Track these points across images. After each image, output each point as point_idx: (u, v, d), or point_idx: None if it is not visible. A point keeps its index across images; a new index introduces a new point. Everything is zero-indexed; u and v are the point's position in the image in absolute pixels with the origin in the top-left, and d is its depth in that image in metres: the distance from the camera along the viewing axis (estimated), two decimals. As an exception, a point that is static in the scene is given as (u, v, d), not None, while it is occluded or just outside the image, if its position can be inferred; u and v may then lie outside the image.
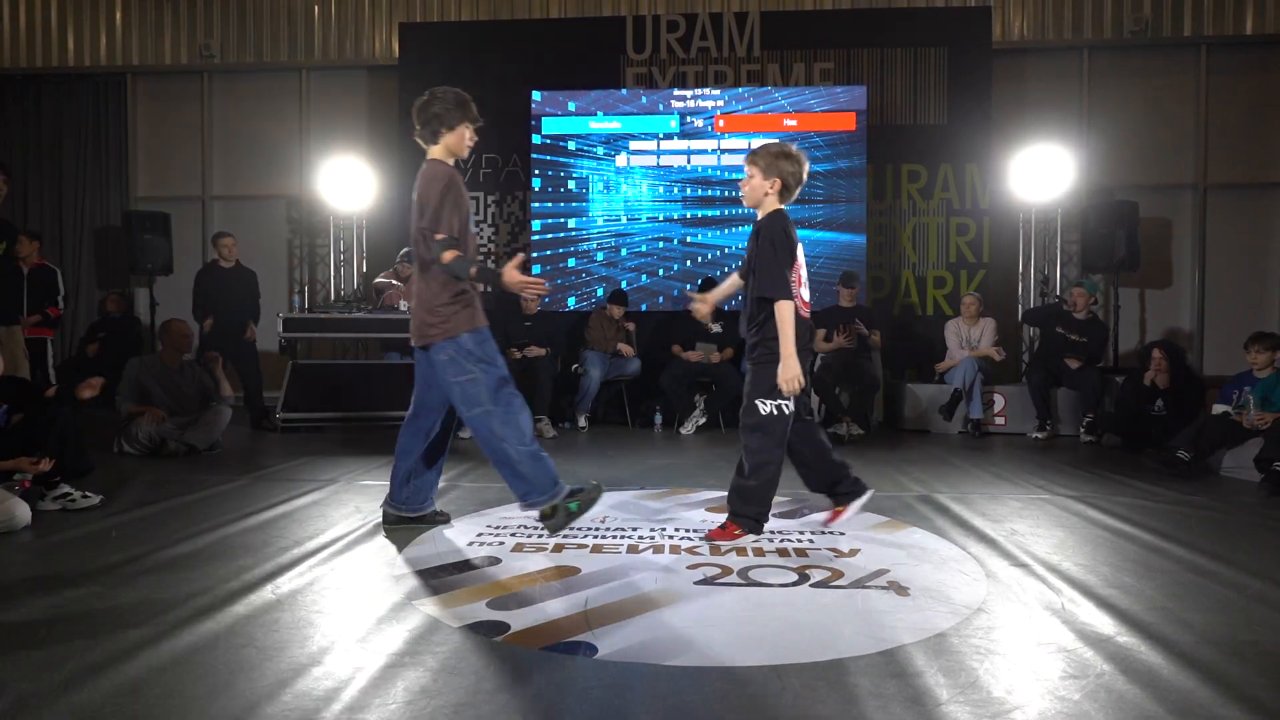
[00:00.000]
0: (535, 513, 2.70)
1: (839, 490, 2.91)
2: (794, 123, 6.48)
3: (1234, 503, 3.50)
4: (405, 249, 6.45)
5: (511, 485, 2.69)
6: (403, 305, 5.88)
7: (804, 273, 2.80)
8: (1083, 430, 5.55)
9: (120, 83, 7.77)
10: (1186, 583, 2.33)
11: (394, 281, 6.22)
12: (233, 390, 5.12)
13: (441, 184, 2.66)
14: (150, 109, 7.92)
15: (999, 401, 5.81)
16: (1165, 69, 7.11)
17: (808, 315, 2.77)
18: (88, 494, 3.21)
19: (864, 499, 2.92)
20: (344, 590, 2.23)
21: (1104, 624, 1.98)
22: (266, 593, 2.19)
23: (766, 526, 2.83)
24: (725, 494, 2.92)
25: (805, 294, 2.79)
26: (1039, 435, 5.59)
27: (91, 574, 2.35)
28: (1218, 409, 4.42)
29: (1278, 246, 7.10)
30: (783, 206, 2.77)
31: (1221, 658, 1.78)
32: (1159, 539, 2.82)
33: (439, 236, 2.62)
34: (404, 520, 2.94)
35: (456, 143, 2.79)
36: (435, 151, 2.80)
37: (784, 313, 2.63)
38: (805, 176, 2.79)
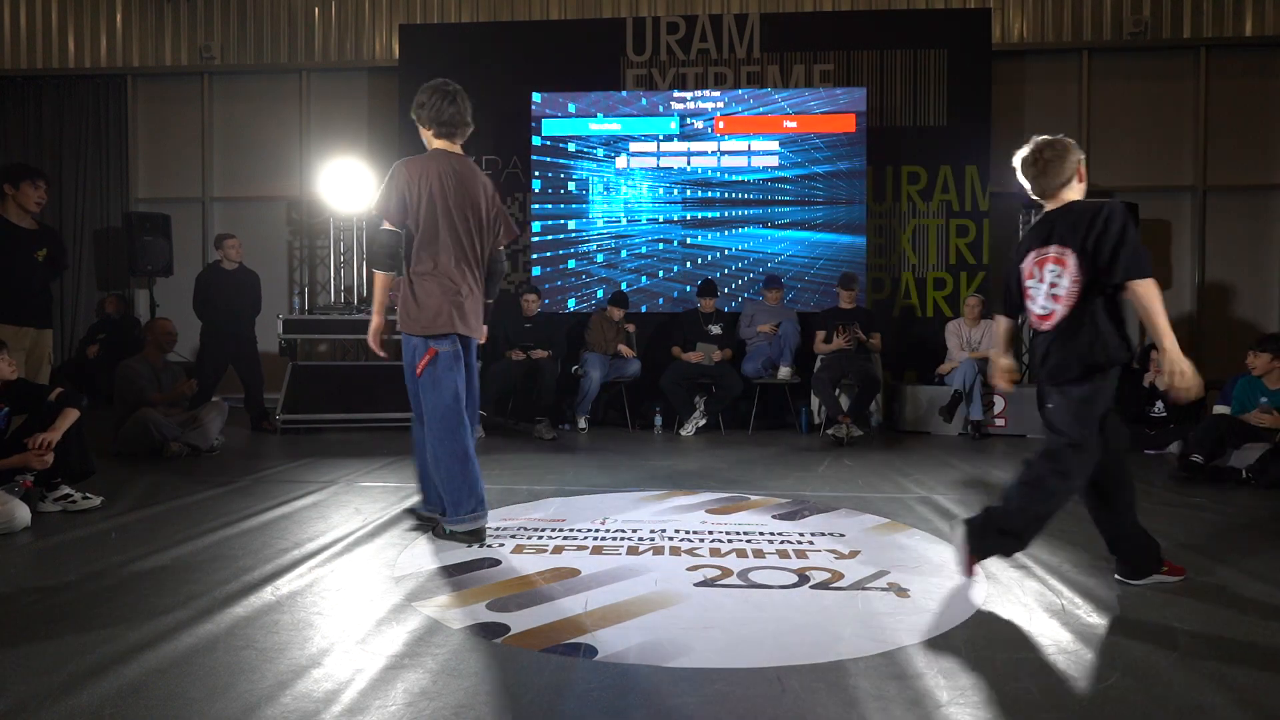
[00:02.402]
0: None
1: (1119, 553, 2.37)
2: (794, 124, 6.49)
3: (1233, 503, 3.50)
4: None
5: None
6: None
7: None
8: None
9: (120, 84, 7.78)
10: (1188, 584, 2.33)
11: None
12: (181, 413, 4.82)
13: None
14: (150, 110, 7.93)
15: (999, 403, 5.81)
16: (1164, 71, 7.12)
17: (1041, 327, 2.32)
18: (88, 495, 3.21)
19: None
20: (344, 592, 2.23)
21: (1104, 625, 1.98)
22: (266, 594, 2.19)
23: (765, 529, 2.81)
24: (726, 495, 2.91)
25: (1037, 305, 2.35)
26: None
27: (91, 576, 2.35)
28: (1219, 409, 4.41)
29: (1277, 249, 7.11)
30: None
31: (1222, 659, 1.78)
32: (1158, 539, 2.81)
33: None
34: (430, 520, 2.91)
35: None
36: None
37: (1151, 291, 2.08)
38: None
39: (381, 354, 2.88)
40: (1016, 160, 2.39)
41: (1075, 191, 2.32)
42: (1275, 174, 7.05)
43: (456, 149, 2.86)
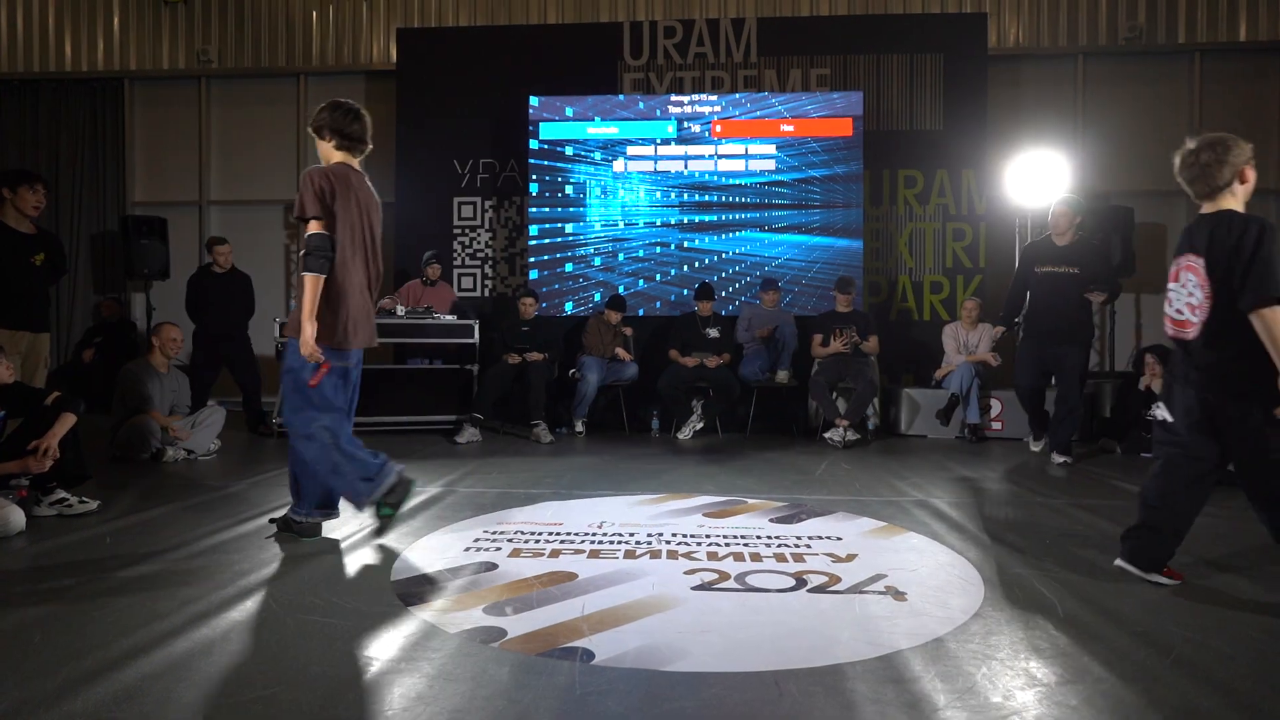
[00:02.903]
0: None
1: None
2: (791, 128, 6.50)
3: (1226, 507, 3.50)
4: (431, 251, 6.46)
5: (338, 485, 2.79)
6: (400, 310, 5.88)
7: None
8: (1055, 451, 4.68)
9: (118, 88, 7.78)
10: (1185, 588, 2.33)
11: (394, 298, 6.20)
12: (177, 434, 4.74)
13: None
14: (147, 114, 7.92)
15: (996, 406, 5.82)
16: (1159, 76, 7.15)
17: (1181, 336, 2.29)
18: (85, 499, 3.20)
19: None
20: (339, 596, 2.23)
21: (1100, 628, 1.98)
22: (262, 598, 2.18)
23: (762, 532, 2.82)
24: (723, 499, 2.91)
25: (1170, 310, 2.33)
26: (1036, 447, 5.03)
27: (86, 580, 2.34)
28: None
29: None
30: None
31: (1217, 661, 1.78)
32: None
33: None
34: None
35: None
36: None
37: (1277, 319, 2.04)
38: None
39: (321, 359, 2.78)
40: (1176, 158, 2.30)
41: (1235, 197, 2.23)
42: (1267, 178, 7.08)
43: (356, 164, 2.87)
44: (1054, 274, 4.53)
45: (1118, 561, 2.41)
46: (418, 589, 2.28)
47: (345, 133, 2.79)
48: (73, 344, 7.45)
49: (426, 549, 2.72)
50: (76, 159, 7.77)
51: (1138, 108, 7.16)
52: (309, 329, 2.64)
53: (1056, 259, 4.56)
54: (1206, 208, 2.26)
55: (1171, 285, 2.31)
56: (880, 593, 2.26)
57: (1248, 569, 2.52)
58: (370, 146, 2.90)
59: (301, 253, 2.72)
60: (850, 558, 2.62)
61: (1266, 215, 7.93)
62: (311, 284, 2.65)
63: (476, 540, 2.83)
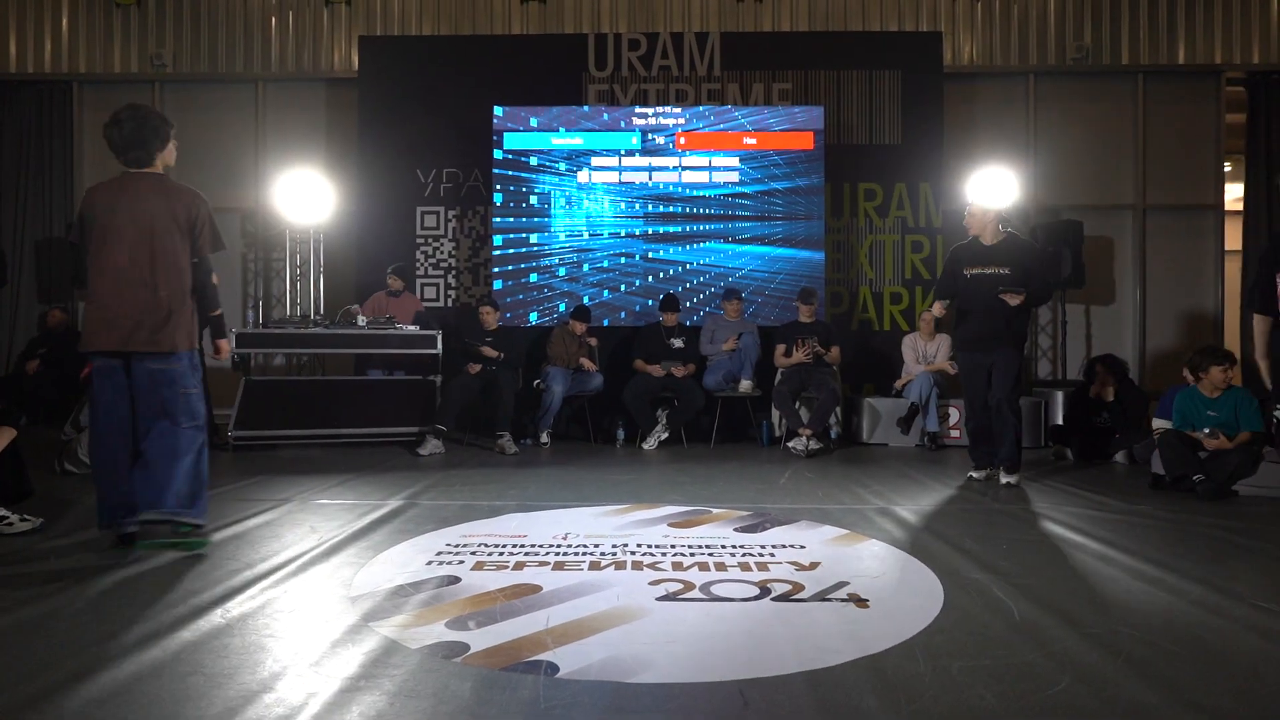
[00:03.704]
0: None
1: None
2: (754, 141, 6.59)
3: (1176, 511, 3.62)
4: (396, 264, 6.39)
5: (171, 488, 2.75)
6: (361, 320, 5.79)
7: None
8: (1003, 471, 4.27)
9: (66, 91, 7.55)
10: (1134, 590, 2.40)
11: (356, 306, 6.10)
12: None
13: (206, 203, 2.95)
14: (97, 118, 7.67)
15: (954, 415, 5.94)
16: (1105, 95, 7.43)
17: None
18: (26, 517, 3.07)
19: None
20: (297, 613, 2.17)
21: (1056, 632, 2.03)
22: (215, 617, 2.12)
23: (727, 542, 2.83)
24: (688, 509, 2.92)
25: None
26: (977, 475, 4.40)
27: (26, 602, 2.25)
28: (1159, 423, 4.55)
29: (1210, 265, 7.44)
30: None
31: (1167, 662, 1.84)
32: (1106, 547, 2.91)
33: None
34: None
35: (170, 155, 3.02)
36: (158, 168, 2.98)
37: None
38: None
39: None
40: None
41: None
42: (1207, 194, 7.39)
43: (137, 170, 2.89)
44: (983, 275, 4.22)
45: None
46: (378, 604, 2.24)
47: (108, 141, 2.88)
48: (15, 355, 7.18)
49: (387, 563, 2.67)
50: (21, 163, 7.52)
51: (1086, 125, 7.42)
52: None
53: (985, 259, 4.25)
54: None
55: None
56: (843, 600, 2.29)
57: (1194, 570, 2.61)
58: (139, 153, 2.87)
59: None
60: (813, 566, 2.65)
61: (1205, 230, 8.20)
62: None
63: (439, 553, 2.79)
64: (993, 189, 6.29)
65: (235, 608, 2.20)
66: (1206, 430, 4.05)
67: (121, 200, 2.81)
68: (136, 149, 2.83)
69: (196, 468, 2.82)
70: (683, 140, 6.61)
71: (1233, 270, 7.50)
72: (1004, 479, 4.23)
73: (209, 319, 3.00)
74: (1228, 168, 7.66)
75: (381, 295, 6.30)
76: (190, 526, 2.79)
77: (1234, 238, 7.58)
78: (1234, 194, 7.80)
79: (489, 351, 5.69)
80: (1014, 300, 4.10)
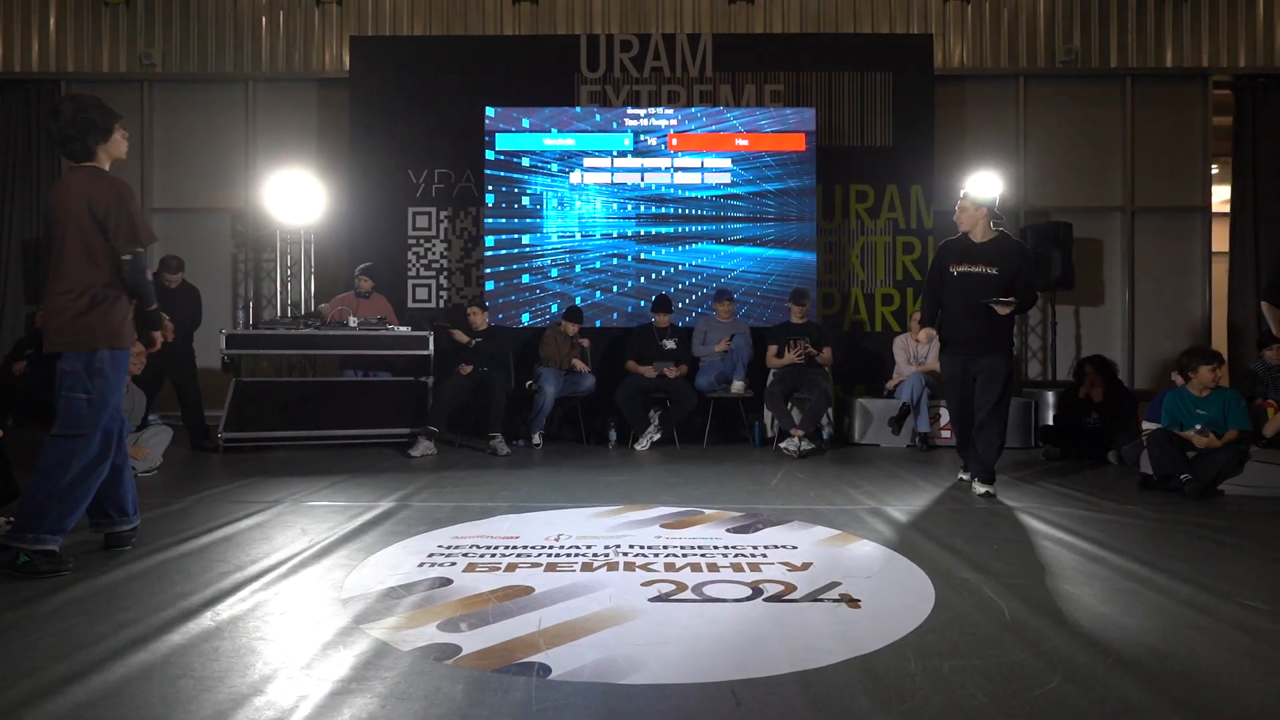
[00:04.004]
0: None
1: None
2: (745, 142, 6.60)
3: (1164, 511, 3.65)
4: (365, 264, 6.36)
5: (24, 504, 2.57)
6: (352, 321, 5.77)
7: None
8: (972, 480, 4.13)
9: (54, 90, 7.49)
10: (1123, 589, 2.42)
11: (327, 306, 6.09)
12: None
13: (132, 196, 2.73)
14: (86, 118, 7.63)
15: (945, 415, 5.97)
16: (1094, 98, 7.48)
17: None
18: (11, 519, 3.04)
19: None
20: (288, 615, 2.16)
21: (1046, 632, 2.04)
22: (206, 620, 2.10)
23: (719, 542, 2.83)
24: (680, 510, 2.92)
25: None
26: (967, 476, 4.26)
27: (13, 605, 2.23)
28: (1148, 425, 4.58)
29: (1197, 266, 7.50)
30: None
31: (1156, 662, 1.85)
32: (1096, 547, 2.93)
33: (139, 250, 2.71)
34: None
35: (117, 147, 2.81)
36: (101, 161, 2.77)
37: None
38: None
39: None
40: None
41: None
42: (1194, 196, 7.45)
43: (75, 165, 2.74)
44: (970, 274, 4.06)
45: None
46: (370, 606, 2.23)
47: (46, 133, 2.77)
48: (1, 356, 7.10)
49: (379, 565, 2.66)
50: (8, 163, 7.45)
51: (1075, 127, 7.47)
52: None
53: (973, 257, 4.09)
54: None
55: None
56: (835, 600, 2.30)
57: (1182, 569, 2.63)
58: (75, 146, 2.70)
59: None
60: (805, 566, 2.65)
61: (1192, 231, 8.27)
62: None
63: (431, 555, 2.78)
64: (983, 189, 6.32)
65: (225, 610, 2.18)
66: (1197, 427, 4.09)
67: (57, 196, 2.70)
68: (73, 141, 2.68)
69: (52, 483, 2.55)
70: (675, 141, 6.62)
71: (1220, 272, 7.57)
72: (979, 489, 4.01)
73: (144, 314, 2.90)
74: (1215, 170, 7.73)
75: (350, 296, 6.25)
76: (28, 556, 2.49)
77: (1221, 239, 7.65)
78: (1221, 196, 7.87)
79: (460, 336, 5.69)
80: (1004, 310, 3.97)
